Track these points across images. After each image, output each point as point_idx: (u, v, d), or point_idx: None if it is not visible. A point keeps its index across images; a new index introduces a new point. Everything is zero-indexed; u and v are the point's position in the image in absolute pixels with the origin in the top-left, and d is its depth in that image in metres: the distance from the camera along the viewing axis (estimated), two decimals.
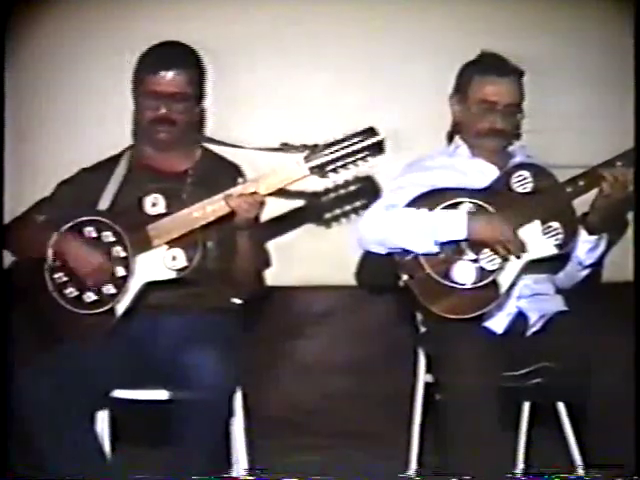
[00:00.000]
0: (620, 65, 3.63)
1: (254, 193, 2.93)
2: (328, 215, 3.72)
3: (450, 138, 3.55)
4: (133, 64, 3.15)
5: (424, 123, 3.70)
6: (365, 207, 3.52)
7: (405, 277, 3.09)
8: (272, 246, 3.43)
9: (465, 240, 3.06)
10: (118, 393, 3.00)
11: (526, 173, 3.12)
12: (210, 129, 3.46)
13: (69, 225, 3.05)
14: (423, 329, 3.30)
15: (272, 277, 3.42)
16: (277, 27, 3.82)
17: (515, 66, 3.23)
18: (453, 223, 3.05)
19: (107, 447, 3.04)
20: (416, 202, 3.12)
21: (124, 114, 3.35)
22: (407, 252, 3.09)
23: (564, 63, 3.86)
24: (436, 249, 3.06)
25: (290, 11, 3.82)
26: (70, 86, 3.80)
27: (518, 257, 3.04)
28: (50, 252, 3.02)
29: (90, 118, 3.78)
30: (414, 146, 3.54)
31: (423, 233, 3.05)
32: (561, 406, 3.30)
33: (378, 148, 2.91)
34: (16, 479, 3.04)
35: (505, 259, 3.04)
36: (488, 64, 3.23)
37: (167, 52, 3.13)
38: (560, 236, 3.06)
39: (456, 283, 3.05)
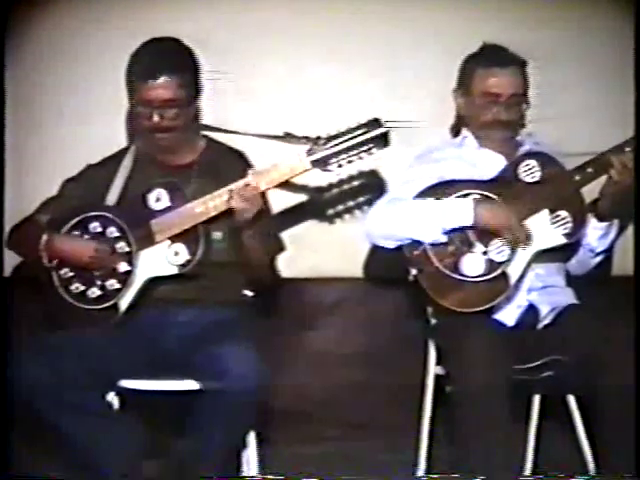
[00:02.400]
0: (623, 56, 3.59)
1: (253, 188, 2.91)
2: (331, 211, 3.69)
3: (454, 132, 3.56)
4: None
5: (434, 115, 3.66)
6: (369, 203, 3.50)
7: (414, 271, 3.09)
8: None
9: (472, 227, 3.04)
10: (129, 384, 2.99)
11: (533, 162, 3.10)
12: (217, 120, 3.44)
13: (74, 221, 3.07)
14: (434, 321, 3.29)
15: (282, 268, 3.41)
16: (285, 20, 3.79)
17: (517, 56, 3.22)
18: (459, 210, 3.04)
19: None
20: (423, 194, 3.11)
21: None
22: (415, 244, 3.07)
23: (571, 54, 3.83)
24: (444, 238, 3.05)
25: (298, 4, 3.79)
26: (72, 81, 3.77)
27: (524, 247, 3.02)
28: (44, 255, 3.03)
29: (94, 116, 3.76)
30: (423, 138, 3.51)
31: (430, 221, 3.04)
32: (571, 399, 3.27)
33: (383, 140, 2.87)
34: (17, 477, 3.06)
35: (513, 248, 3.02)
36: (490, 56, 3.22)
37: (155, 57, 3.05)
38: (568, 225, 3.04)
39: (465, 276, 3.04)
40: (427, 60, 3.68)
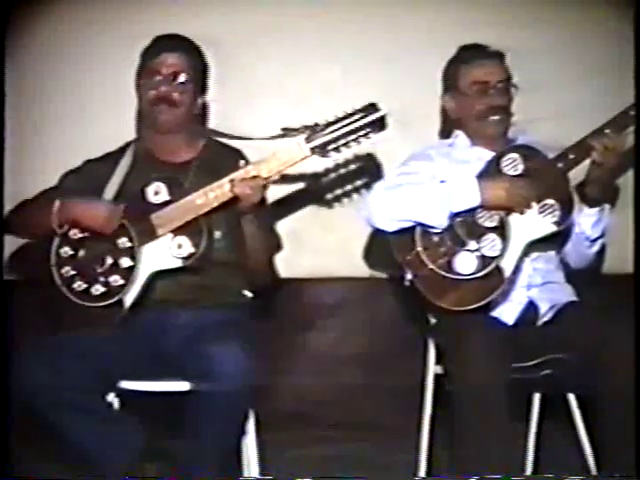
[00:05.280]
0: (620, 55, 3.65)
1: (256, 177, 2.93)
2: (329, 196, 3.72)
3: (443, 136, 3.64)
4: (137, 57, 3.17)
5: (431, 114, 3.71)
6: (367, 186, 3.56)
7: (409, 276, 3.10)
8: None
9: (480, 207, 3.06)
10: (129, 384, 2.99)
11: (515, 155, 3.12)
12: (216, 121, 3.47)
13: None
14: (433, 321, 3.29)
15: (282, 268, 3.42)
16: (285, 20, 3.85)
17: (495, 50, 3.28)
18: (465, 191, 3.05)
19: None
20: None
21: (127, 109, 3.38)
22: (409, 241, 3.09)
23: (569, 53, 3.89)
24: (447, 223, 3.06)
25: (298, 4, 3.85)
26: (72, 82, 3.83)
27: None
28: (56, 220, 3.04)
29: (93, 114, 3.81)
30: (422, 137, 3.58)
31: (436, 205, 3.05)
32: (572, 398, 3.27)
33: (380, 124, 2.90)
34: (17, 477, 3.06)
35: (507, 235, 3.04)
36: (470, 53, 3.28)
37: (170, 39, 3.16)
38: (557, 212, 3.05)
39: (460, 275, 3.05)
40: (430, 61, 3.67)
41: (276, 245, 3.21)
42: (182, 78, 3.11)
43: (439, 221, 3.06)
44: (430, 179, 3.13)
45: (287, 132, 2.99)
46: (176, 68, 3.11)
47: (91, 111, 3.80)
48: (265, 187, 2.95)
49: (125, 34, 3.68)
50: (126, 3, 3.79)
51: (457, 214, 3.07)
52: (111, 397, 3.00)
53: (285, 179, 3.34)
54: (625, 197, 3.55)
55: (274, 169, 2.94)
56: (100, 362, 2.93)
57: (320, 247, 3.84)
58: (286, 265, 3.41)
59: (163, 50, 3.12)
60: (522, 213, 3.05)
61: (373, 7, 3.84)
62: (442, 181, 3.10)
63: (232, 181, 2.94)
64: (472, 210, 3.07)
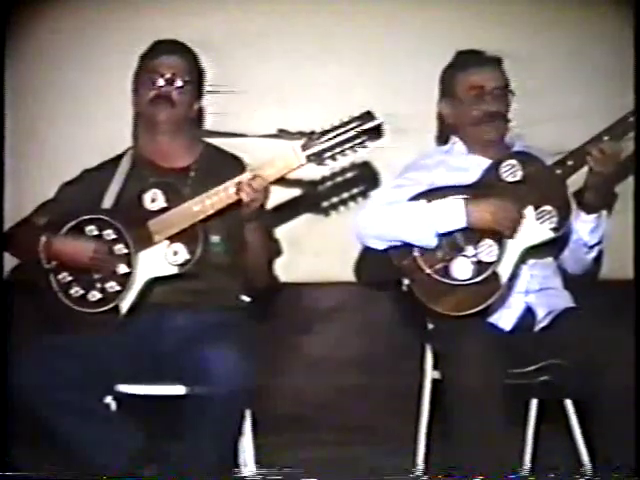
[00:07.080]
0: (620, 58, 3.66)
1: (262, 179, 2.92)
2: (326, 204, 3.72)
3: (440, 141, 3.64)
4: (135, 62, 3.20)
5: (430, 117, 3.68)
6: (363, 194, 3.58)
7: (407, 281, 3.11)
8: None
9: (460, 230, 3.06)
10: (128, 388, 3.00)
11: (514, 162, 3.12)
12: (213, 124, 3.47)
13: (70, 225, 3.08)
14: (431, 326, 3.29)
15: (280, 273, 3.42)
16: (286, 22, 3.86)
17: (492, 55, 3.27)
18: (452, 212, 3.06)
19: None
20: (414, 200, 3.13)
21: (127, 113, 3.37)
22: (405, 247, 3.09)
23: (568, 56, 3.89)
24: (435, 242, 3.06)
25: (298, 7, 3.86)
26: (71, 86, 3.83)
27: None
28: (43, 257, 3.05)
29: (91, 119, 3.82)
30: (420, 140, 3.59)
31: (423, 225, 3.06)
32: (569, 403, 3.28)
33: (376, 132, 2.90)
34: (16, 476, 3.06)
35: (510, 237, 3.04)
36: (466, 59, 3.27)
37: (169, 43, 3.19)
38: (554, 219, 3.05)
39: (457, 280, 3.05)
40: (429, 64, 3.66)
41: (276, 251, 3.21)
42: (181, 80, 3.14)
43: (426, 241, 3.07)
44: (428, 186, 3.14)
45: (282, 133, 2.99)
46: (175, 70, 3.13)
47: (90, 115, 3.81)
48: (267, 190, 2.95)
49: (124, 38, 3.68)
50: (125, 7, 3.79)
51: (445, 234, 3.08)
52: (108, 399, 3.00)
53: (281, 186, 3.37)
54: (625, 203, 3.54)
55: (270, 176, 2.94)
56: (97, 365, 2.94)
57: (318, 251, 3.84)
58: (284, 269, 3.42)
59: (162, 53, 3.15)
60: (510, 236, 3.05)
61: (371, 12, 3.85)
62: (431, 196, 3.10)
63: (239, 184, 2.93)
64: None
